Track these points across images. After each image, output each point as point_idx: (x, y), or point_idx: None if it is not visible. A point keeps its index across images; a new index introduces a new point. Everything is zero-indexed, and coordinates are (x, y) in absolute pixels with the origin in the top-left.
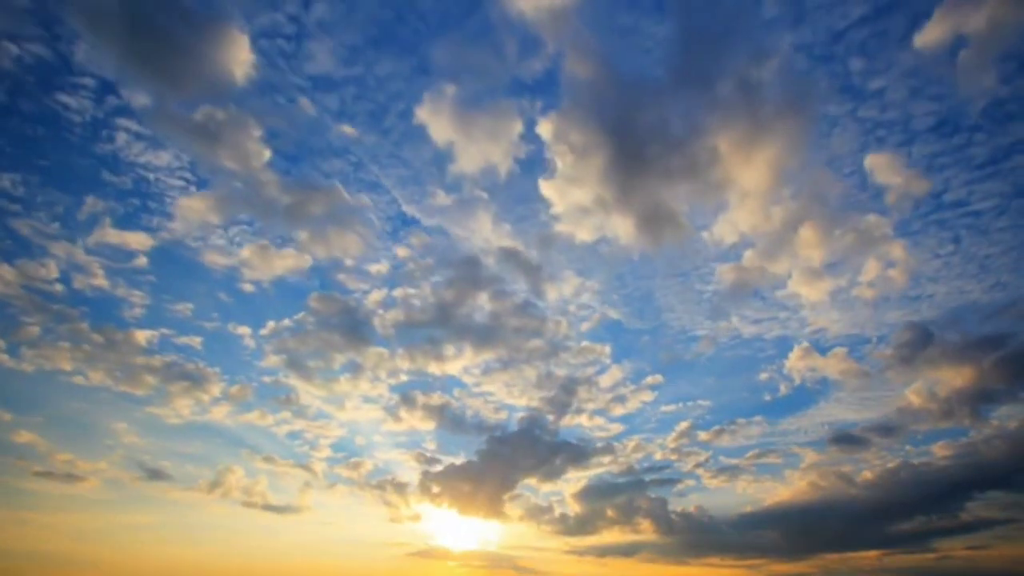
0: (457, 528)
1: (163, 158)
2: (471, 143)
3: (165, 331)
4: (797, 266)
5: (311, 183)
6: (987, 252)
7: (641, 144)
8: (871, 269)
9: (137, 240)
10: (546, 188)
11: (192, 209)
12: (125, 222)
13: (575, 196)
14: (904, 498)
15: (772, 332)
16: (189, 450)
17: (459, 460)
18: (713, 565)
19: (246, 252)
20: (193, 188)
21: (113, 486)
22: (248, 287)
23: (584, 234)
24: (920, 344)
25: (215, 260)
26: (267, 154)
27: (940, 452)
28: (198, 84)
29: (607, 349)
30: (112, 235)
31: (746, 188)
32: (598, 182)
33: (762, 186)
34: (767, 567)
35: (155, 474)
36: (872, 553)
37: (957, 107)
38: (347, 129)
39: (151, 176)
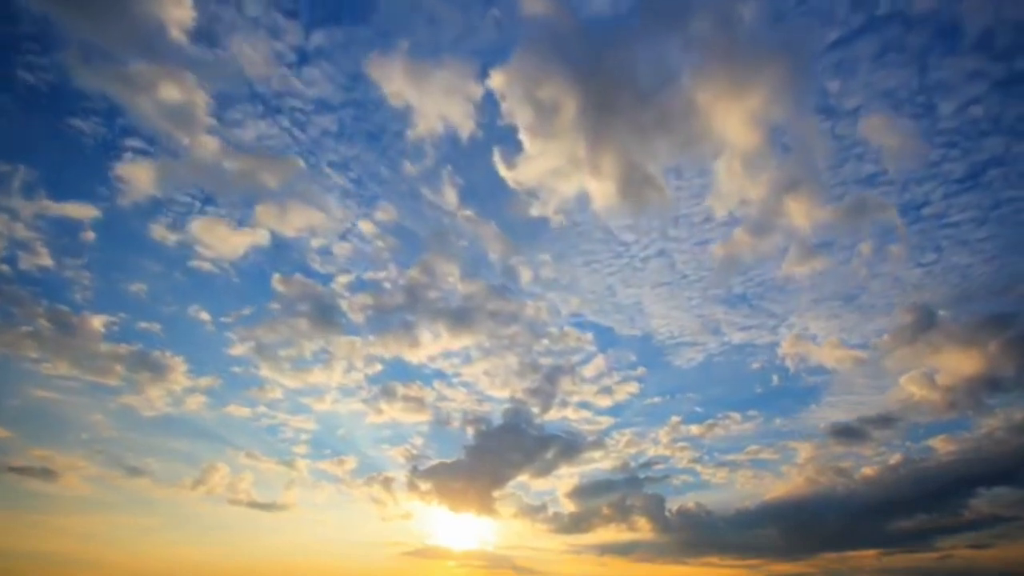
0: (452, 527)
1: (102, 121)
2: (429, 103)
3: (123, 315)
4: (792, 240)
5: (264, 151)
6: (968, 262)
7: (611, 95)
8: (867, 247)
9: (79, 211)
10: (513, 159)
11: (136, 178)
12: (64, 191)
13: (543, 164)
14: (905, 495)
15: (763, 338)
16: (168, 445)
17: (447, 455)
18: (713, 565)
19: (198, 226)
20: (134, 153)
21: (93, 483)
22: (205, 266)
23: (561, 213)
24: (920, 328)
25: (164, 236)
26: (212, 120)
27: (942, 447)
28: (133, 36)
29: (589, 336)
30: (52, 207)
31: (732, 151)
32: (567, 144)
33: (749, 147)
34: (766, 567)
35: (135, 470)
36: (871, 552)
37: (931, 124)
38: (297, 83)
39: (89, 140)
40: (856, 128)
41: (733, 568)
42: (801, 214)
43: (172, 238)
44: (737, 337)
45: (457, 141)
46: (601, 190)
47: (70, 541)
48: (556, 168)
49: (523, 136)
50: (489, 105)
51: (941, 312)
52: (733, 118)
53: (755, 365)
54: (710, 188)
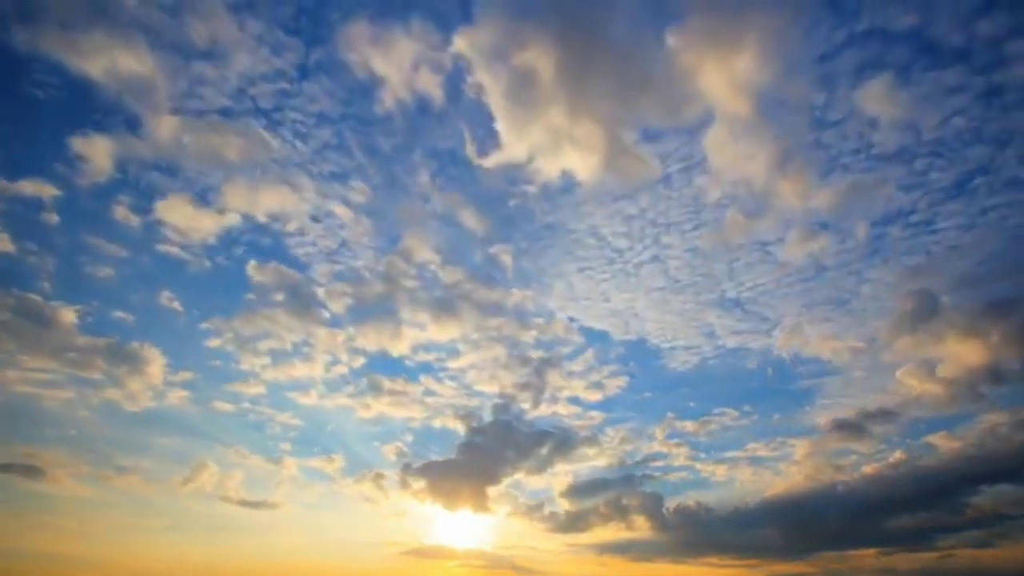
0: (449, 526)
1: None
2: (396, 74)
3: (96, 304)
4: (788, 223)
5: (225, 121)
6: (956, 266)
7: (588, 56)
8: (862, 230)
9: (38, 189)
10: (488, 133)
11: (96, 155)
12: (19, 169)
13: (520, 136)
14: (905, 493)
15: (757, 341)
16: (152, 441)
17: (439, 452)
18: (712, 564)
19: (163, 208)
20: (91, 128)
21: (79, 480)
22: (173, 250)
23: (543, 195)
24: (921, 316)
25: (127, 217)
26: (166, 88)
27: (943, 443)
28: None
29: (578, 328)
30: (8, 188)
31: (722, 118)
32: (544, 114)
33: (740, 115)
34: (766, 566)
35: (122, 468)
36: (871, 551)
37: (915, 135)
38: (246, 45)
39: (43, 114)
40: (842, 138)
41: (732, 568)
42: (795, 194)
43: (137, 220)
44: (732, 341)
45: (429, 115)
46: (584, 164)
47: (55, 539)
48: (535, 142)
49: (495, 108)
50: (459, 74)
51: (943, 298)
52: (721, 81)
53: (751, 362)
54: (702, 187)
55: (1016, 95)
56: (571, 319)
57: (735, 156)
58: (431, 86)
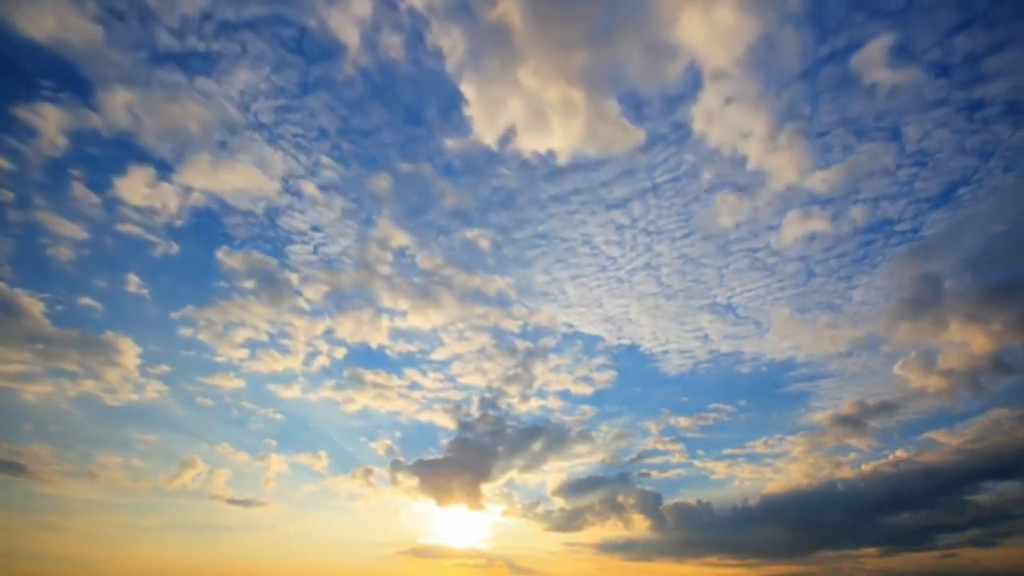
0: (445, 525)
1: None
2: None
3: (61, 291)
4: (790, 204)
5: (187, 91)
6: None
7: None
8: (859, 214)
9: None
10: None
11: (50, 128)
12: None
13: (490, 111)
14: (906, 491)
15: (750, 346)
16: (136, 437)
17: (431, 448)
18: (711, 564)
19: (122, 185)
20: (46, 101)
21: (64, 477)
22: (136, 231)
23: (523, 174)
24: (919, 305)
25: (85, 195)
26: (115, 55)
27: (945, 440)
28: None
29: (563, 321)
30: None
31: (710, 79)
32: (516, 79)
33: (729, 71)
34: (765, 566)
35: (107, 465)
36: (872, 550)
37: (900, 147)
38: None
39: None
40: (828, 148)
41: (732, 567)
42: (789, 167)
43: (93, 200)
44: (725, 345)
45: (396, 84)
46: (564, 136)
47: (40, 537)
48: (507, 107)
49: (461, 70)
50: (420, 36)
51: (946, 283)
52: (707, 33)
53: (746, 366)
54: (691, 164)
55: (997, 109)
56: (567, 324)
57: (724, 127)
58: (394, 48)
